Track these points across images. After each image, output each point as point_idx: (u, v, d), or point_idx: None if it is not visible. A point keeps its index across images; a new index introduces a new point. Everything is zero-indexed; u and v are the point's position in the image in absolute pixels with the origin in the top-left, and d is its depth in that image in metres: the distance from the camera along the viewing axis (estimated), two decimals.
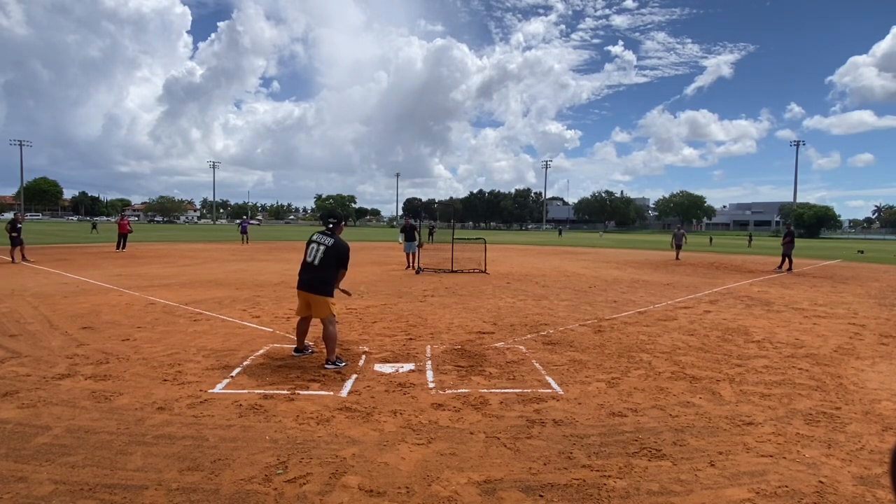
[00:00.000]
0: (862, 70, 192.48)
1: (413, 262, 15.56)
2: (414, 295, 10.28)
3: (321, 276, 5.30)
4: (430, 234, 28.70)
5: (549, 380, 4.85)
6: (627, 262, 20.73)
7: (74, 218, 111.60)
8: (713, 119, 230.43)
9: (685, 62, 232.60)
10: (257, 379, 4.71)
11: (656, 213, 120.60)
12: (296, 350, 5.65)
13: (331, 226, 5.50)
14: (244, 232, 29.79)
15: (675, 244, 22.66)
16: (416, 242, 15.77)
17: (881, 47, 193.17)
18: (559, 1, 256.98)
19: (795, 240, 18.33)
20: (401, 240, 16.07)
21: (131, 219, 25.17)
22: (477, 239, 18.41)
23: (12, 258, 15.54)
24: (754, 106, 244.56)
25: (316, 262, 5.31)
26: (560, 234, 67.45)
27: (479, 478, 3.01)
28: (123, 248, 21.11)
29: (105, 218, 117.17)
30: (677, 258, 22.18)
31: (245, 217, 52.00)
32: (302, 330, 5.61)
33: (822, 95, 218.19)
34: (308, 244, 5.44)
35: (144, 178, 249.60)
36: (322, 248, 5.33)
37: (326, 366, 5.13)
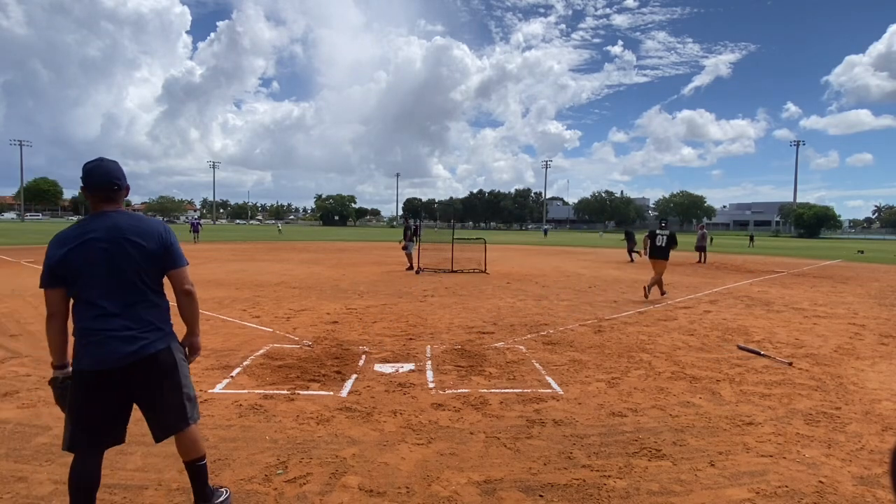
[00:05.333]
0: (858, 70, 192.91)
1: (411, 262, 15.57)
2: (414, 295, 10.28)
3: (667, 252, 10.34)
4: (415, 233, 28.48)
5: (549, 380, 4.85)
6: (628, 262, 20.71)
7: (74, 218, 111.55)
8: (710, 119, 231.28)
9: (686, 62, 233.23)
10: (257, 379, 4.70)
11: (656, 213, 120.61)
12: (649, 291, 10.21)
13: (663, 225, 10.91)
14: (195, 231, 29.07)
15: (698, 246, 20.50)
16: (413, 244, 15.80)
17: (877, 47, 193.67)
18: (559, 0, 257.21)
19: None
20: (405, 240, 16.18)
21: None
22: (477, 239, 18.41)
23: None
24: (751, 106, 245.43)
25: (663, 244, 10.32)
26: (545, 234, 66.61)
27: (479, 478, 3.01)
28: None
29: None
30: (702, 261, 19.96)
31: (196, 216, 52.87)
32: (653, 284, 10.28)
33: (818, 95, 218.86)
34: (654, 236, 10.48)
35: (143, 177, 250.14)
36: (665, 237, 10.34)
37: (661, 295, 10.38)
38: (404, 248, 15.83)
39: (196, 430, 2.48)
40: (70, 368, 2.25)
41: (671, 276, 15.16)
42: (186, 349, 2.49)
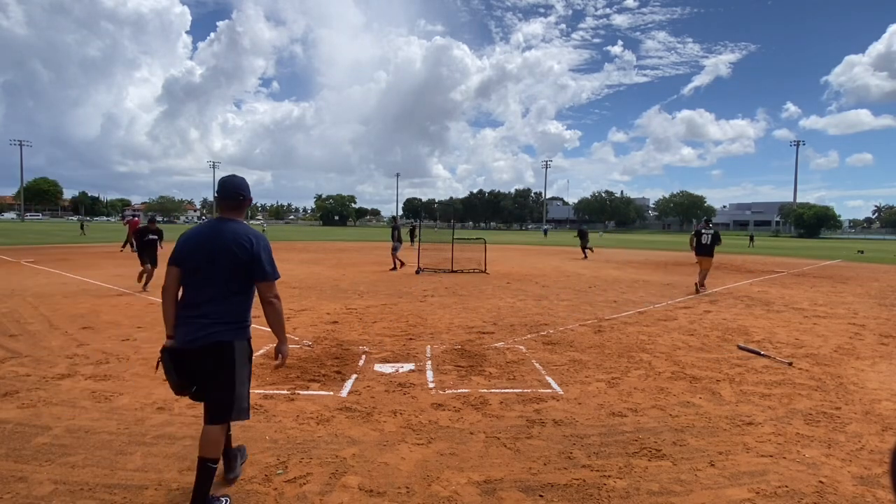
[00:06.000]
0: (857, 70, 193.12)
1: (395, 263, 15.53)
2: (414, 295, 10.28)
3: (712, 249, 11.43)
4: (411, 234, 28.89)
5: (549, 380, 4.85)
6: (627, 262, 20.72)
7: (75, 218, 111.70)
8: (710, 119, 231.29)
9: (686, 62, 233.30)
10: (257, 379, 4.70)
11: (656, 213, 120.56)
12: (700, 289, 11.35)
13: (710, 225, 11.87)
14: None
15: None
16: (400, 245, 15.73)
17: (877, 47, 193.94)
18: (559, 0, 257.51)
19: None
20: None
21: (131, 218, 25.79)
22: (477, 239, 18.42)
23: (144, 282, 10.30)
24: (750, 105, 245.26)
25: (708, 242, 11.35)
26: (545, 234, 66.34)
27: (479, 478, 3.01)
28: (133, 250, 21.32)
29: (106, 218, 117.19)
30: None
31: (207, 215, 55.36)
32: (702, 279, 11.49)
33: (817, 95, 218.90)
34: (699, 235, 11.51)
35: (143, 177, 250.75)
36: (710, 235, 11.43)
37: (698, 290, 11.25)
38: (393, 248, 15.74)
39: (222, 431, 2.64)
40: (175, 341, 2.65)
41: (672, 276, 15.19)
42: (279, 356, 2.74)
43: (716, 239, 11.43)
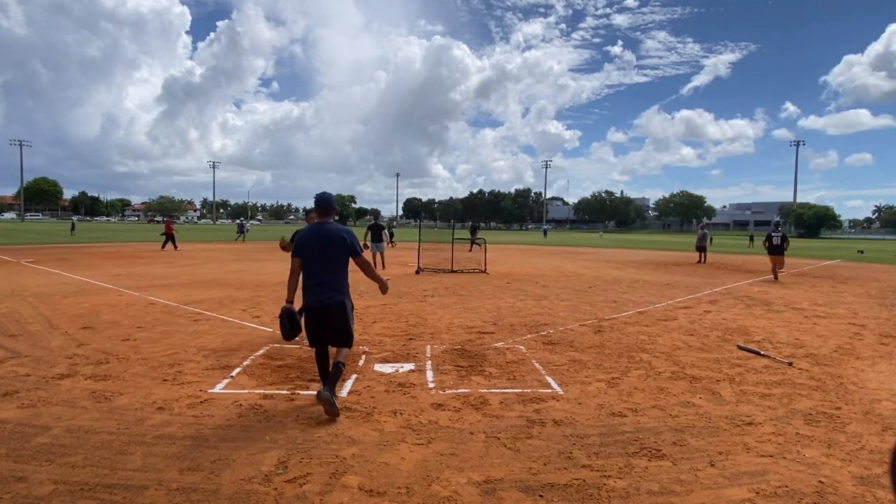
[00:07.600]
0: (856, 69, 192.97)
1: (379, 263, 15.32)
2: (414, 295, 10.28)
3: (782, 248, 14.07)
4: (389, 233, 28.95)
5: (549, 380, 4.85)
6: (627, 262, 20.72)
7: (75, 218, 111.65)
8: (709, 119, 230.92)
9: (686, 62, 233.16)
10: (257, 379, 4.71)
11: (656, 213, 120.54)
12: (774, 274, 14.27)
13: (779, 229, 14.28)
14: (241, 231, 33.16)
15: (698, 246, 20.41)
16: (385, 243, 15.49)
17: (876, 47, 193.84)
18: (559, 0, 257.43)
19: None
20: (368, 240, 15.13)
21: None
22: (477, 239, 18.42)
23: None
24: (749, 105, 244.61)
25: (778, 243, 14.00)
26: (545, 234, 66.24)
27: (479, 478, 3.01)
28: (175, 248, 22.17)
29: (105, 218, 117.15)
30: (701, 261, 19.93)
31: (242, 218, 59.38)
32: (776, 271, 14.33)
33: (816, 95, 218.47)
34: (771, 238, 14.21)
35: (143, 177, 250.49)
36: (779, 237, 14.06)
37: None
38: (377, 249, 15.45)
39: (347, 350, 4.05)
40: (293, 305, 3.98)
41: (672, 276, 15.20)
42: (381, 289, 4.26)
43: (784, 240, 14.25)
